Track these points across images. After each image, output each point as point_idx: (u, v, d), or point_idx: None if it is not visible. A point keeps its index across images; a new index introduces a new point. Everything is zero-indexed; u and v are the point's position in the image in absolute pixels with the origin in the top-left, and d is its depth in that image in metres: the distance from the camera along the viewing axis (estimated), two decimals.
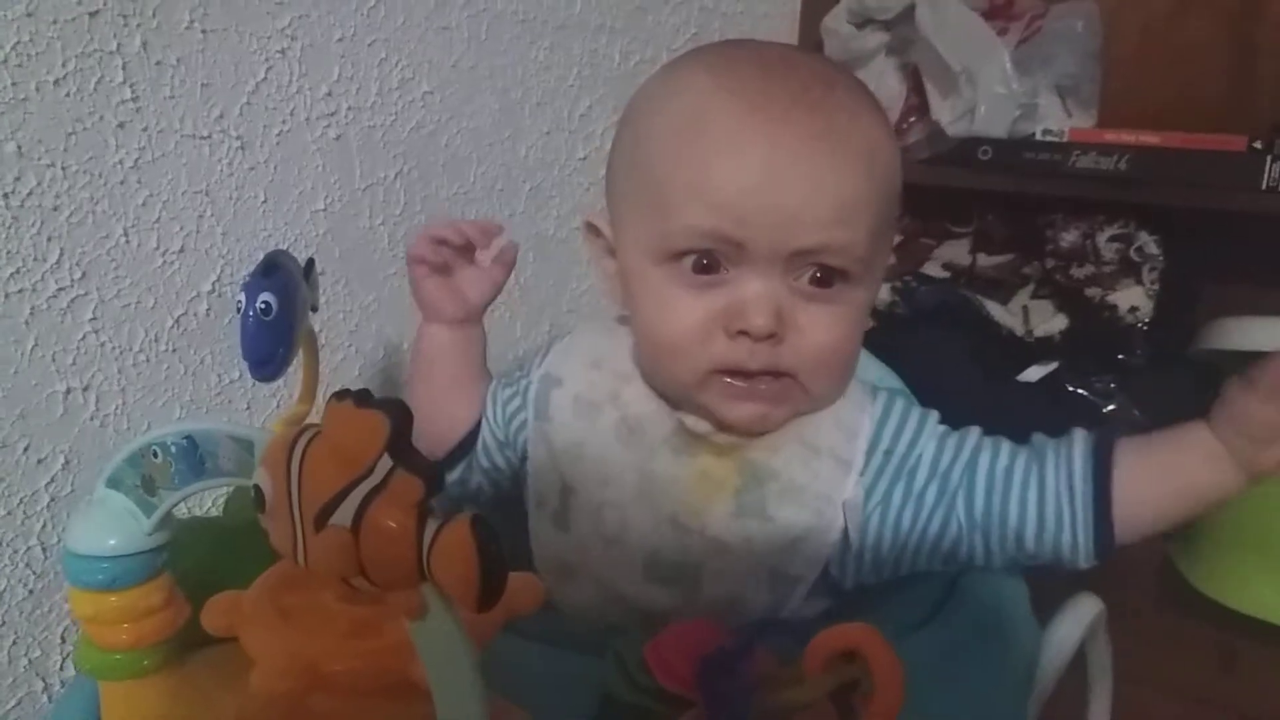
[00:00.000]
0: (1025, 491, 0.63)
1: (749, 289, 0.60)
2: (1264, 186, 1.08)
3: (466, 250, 0.74)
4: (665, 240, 0.61)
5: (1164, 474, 0.62)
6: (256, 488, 0.39)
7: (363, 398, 0.37)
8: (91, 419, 0.81)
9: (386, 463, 0.35)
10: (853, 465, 0.64)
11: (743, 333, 0.60)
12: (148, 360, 0.84)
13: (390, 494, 0.35)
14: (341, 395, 0.37)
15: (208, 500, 0.77)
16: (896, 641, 0.41)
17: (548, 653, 0.55)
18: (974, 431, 0.67)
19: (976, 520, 0.63)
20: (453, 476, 0.75)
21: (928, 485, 0.64)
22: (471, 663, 0.36)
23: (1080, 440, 0.64)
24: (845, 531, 0.64)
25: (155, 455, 0.46)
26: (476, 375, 0.76)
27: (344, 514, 0.35)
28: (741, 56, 0.63)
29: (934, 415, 0.68)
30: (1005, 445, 0.66)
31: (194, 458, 0.45)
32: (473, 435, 0.74)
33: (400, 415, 0.36)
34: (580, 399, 0.69)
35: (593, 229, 0.70)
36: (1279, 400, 0.58)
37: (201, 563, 0.52)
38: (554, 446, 0.69)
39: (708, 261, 0.61)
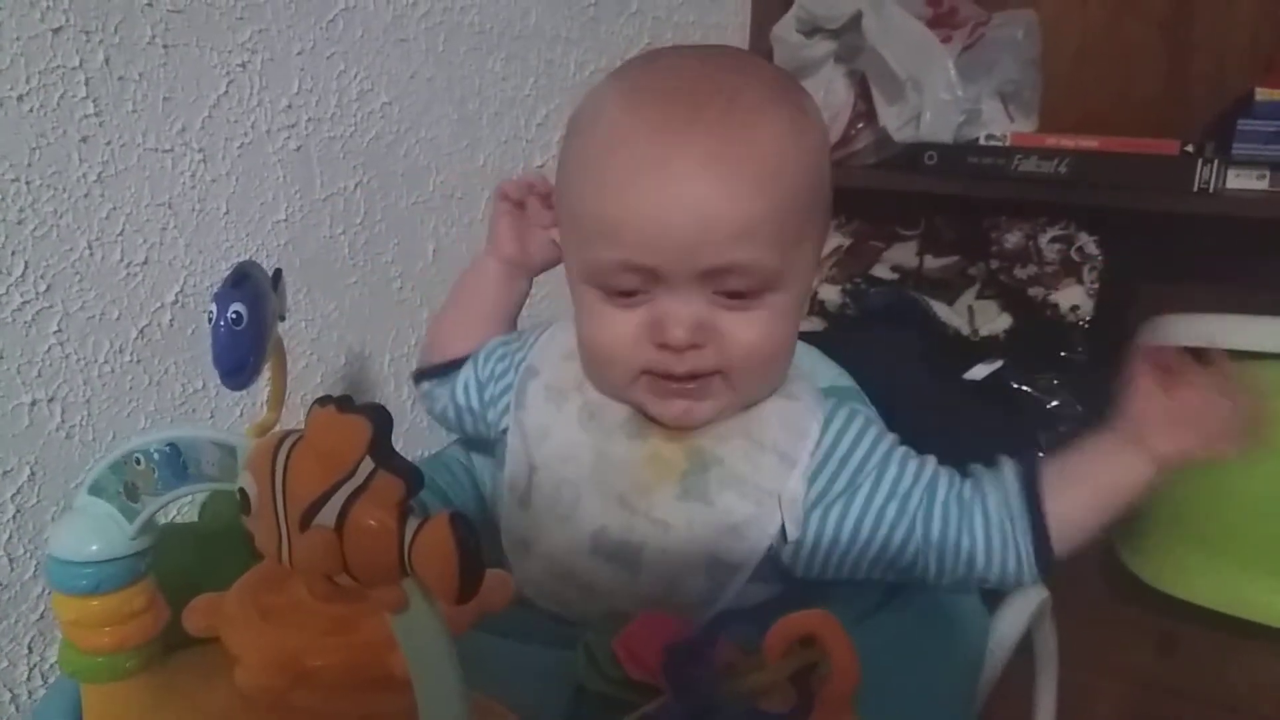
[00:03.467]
0: (974, 520, 0.67)
1: (668, 306, 0.63)
2: (1195, 189, 1.13)
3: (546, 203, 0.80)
4: (586, 268, 0.65)
5: (1085, 483, 0.68)
6: (242, 491, 0.41)
7: (344, 403, 0.38)
8: (57, 430, 0.82)
9: (368, 465, 0.37)
10: (797, 463, 0.67)
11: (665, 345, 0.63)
12: (112, 371, 0.84)
13: (372, 494, 0.37)
14: (324, 401, 0.39)
15: (178, 506, 0.77)
16: (852, 627, 0.44)
17: (520, 648, 0.57)
18: (931, 460, 0.70)
19: (933, 542, 0.67)
20: (426, 387, 0.82)
21: (888, 503, 0.68)
22: (451, 652, 0.38)
23: (1009, 468, 0.69)
24: (783, 526, 0.66)
25: (138, 462, 0.47)
26: (501, 318, 0.83)
27: (328, 514, 0.37)
28: (653, 75, 0.66)
29: (892, 436, 0.70)
30: (957, 475, 0.70)
31: (177, 464, 0.47)
32: (462, 362, 0.80)
33: (381, 419, 0.38)
34: (550, 387, 0.73)
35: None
36: (1153, 395, 0.67)
37: (179, 567, 0.53)
38: (526, 431, 0.72)
39: (627, 287, 0.64)
